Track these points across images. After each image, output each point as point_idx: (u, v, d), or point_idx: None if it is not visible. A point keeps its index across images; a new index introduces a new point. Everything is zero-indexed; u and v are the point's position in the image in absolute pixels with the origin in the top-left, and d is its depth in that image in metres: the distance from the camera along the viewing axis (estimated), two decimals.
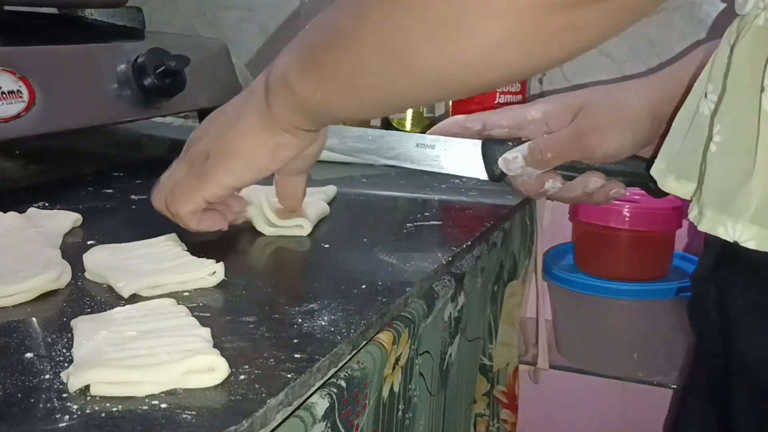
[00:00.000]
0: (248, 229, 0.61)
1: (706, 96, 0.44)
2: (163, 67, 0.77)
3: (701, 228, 0.43)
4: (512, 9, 0.34)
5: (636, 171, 0.57)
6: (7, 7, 0.80)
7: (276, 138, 0.51)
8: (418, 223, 0.66)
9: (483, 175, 0.61)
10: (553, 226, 1.02)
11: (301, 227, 0.60)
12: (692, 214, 0.44)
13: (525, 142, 0.59)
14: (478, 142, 0.61)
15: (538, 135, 0.59)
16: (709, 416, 0.56)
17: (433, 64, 0.38)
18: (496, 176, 0.60)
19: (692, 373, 0.62)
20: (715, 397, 0.54)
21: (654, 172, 0.49)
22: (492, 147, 0.60)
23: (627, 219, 0.95)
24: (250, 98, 0.52)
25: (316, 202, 0.65)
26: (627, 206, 0.94)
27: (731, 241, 0.41)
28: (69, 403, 0.34)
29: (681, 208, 0.93)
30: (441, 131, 0.63)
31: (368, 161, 0.72)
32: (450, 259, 0.57)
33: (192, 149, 0.54)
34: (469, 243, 0.61)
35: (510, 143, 0.59)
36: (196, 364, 0.36)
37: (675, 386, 0.99)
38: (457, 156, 0.61)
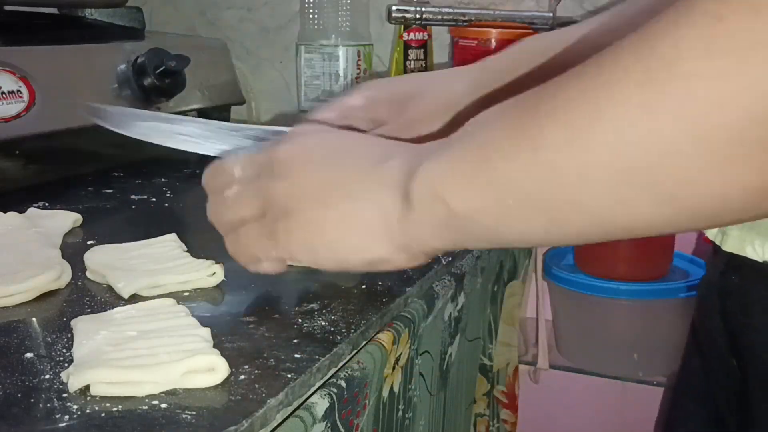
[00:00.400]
0: None
1: None
2: (163, 67, 0.77)
3: (726, 248, 0.41)
4: None
5: None
6: (7, 7, 0.80)
7: (388, 252, 0.40)
8: None
9: None
10: None
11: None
12: (711, 233, 0.42)
13: None
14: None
15: (363, 124, 0.53)
16: (702, 416, 0.56)
17: (718, 193, 0.28)
18: None
19: (685, 373, 0.61)
20: (709, 398, 0.54)
21: None
22: None
23: None
24: (373, 184, 0.40)
25: None
26: None
27: (761, 261, 0.39)
28: (69, 403, 0.34)
29: None
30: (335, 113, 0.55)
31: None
32: (450, 259, 0.57)
33: (272, 184, 0.42)
34: None
35: None
36: (196, 364, 0.36)
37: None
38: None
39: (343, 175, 0.41)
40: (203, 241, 0.57)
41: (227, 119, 0.95)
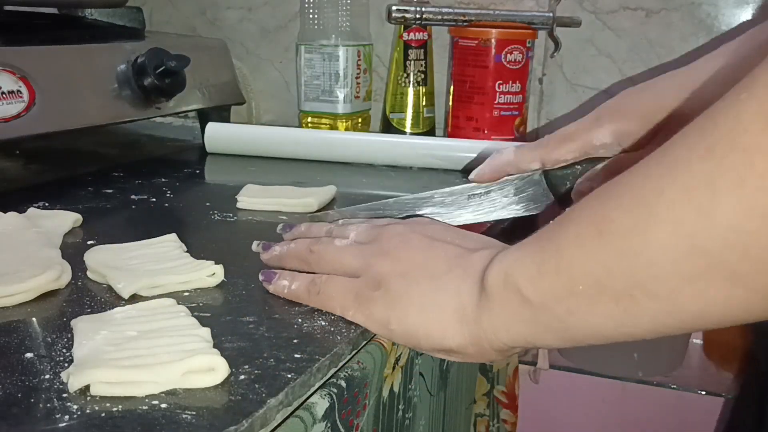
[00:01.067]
0: (248, 230, 0.61)
1: None
2: (163, 67, 0.77)
3: None
4: None
5: None
6: (7, 7, 0.80)
7: (458, 345, 0.39)
8: None
9: (551, 205, 0.54)
10: None
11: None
12: None
13: (594, 160, 0.52)
14: (540, 175, 0.54)
15: (611, 154, 0.51)
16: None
17: None
18: (568, 204, 0.53)
19: (746, 386, 0.60)
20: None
21: None
22: (558, 176, 0.53)
23: None
24: (456, 275, 0.40)
25: None
26: None
27: None
28: (69, 403, 0.34)
29: None
30: (490, 175, 0.55)
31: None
32: None
33: (375, 260, 0.44)
34: None
35: (578, 166, 0.52)
36: (196, 364, 0.36)
37: (675, 386, 0.99)
38: (519, 196, 0.55)
39: (434, 259, 0.42)
40: (203, 241, 0.57)
41: (227, 119, 0.95)
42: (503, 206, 0.54)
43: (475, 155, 0.83)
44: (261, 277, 0.48)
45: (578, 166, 0.52)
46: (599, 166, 0.51)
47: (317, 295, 0.45)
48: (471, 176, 0.56)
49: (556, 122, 1.04)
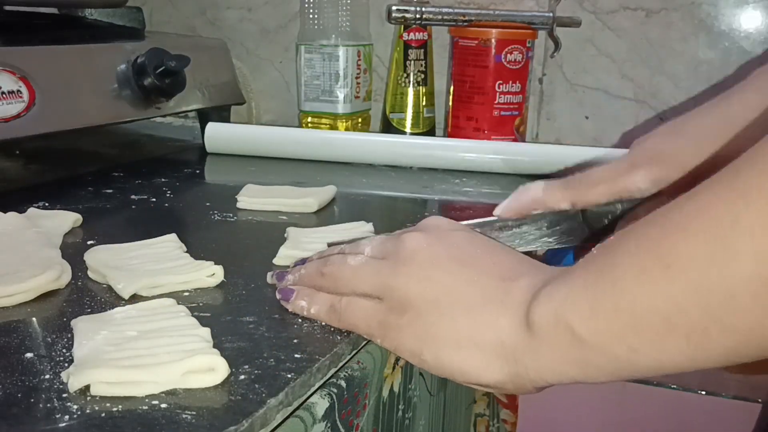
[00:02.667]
0: (248, 230, 0.61)
1: None
2: (163, 67, 0.77)
3: None
4: None
5: None
6: (7, 7, 0.80)
7: (499, 381, 0.37)
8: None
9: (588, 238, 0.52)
10: None
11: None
12: None
13: (630, 200, 0.50)
14: (576, 212, 0.52)
15: (648, 195, 0.49)
16: None
17: None
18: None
19: None
20: None
21: None
22: (595, 212, 0.51)
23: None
24: (496, 305, 0.37)
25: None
26: None
27: None
28: (69, 403, 0.34)
29: None
30: (517, 212, 0.52)
31: None
32: None
33: (395, 272, 0.40)
34: None
35: (619, 205, 0.50)
36: (196, 364, 0.36)
37: (675, 386, 0.99)
38: (553, 229, 0.52)
39: (466, 285, 0.39)
40: (203, 241, 0.57)
41: (227, 119, 0.95)
42: (536, 238, 0.52)
43: (475, 155, 0.83)
44: (278, 296, 0.46)
45: (618, 205, 0.50)
46: (639, 208, 0.49)
47: (338, 321, 0.43)
48: (496, 211, 0.52)
49: (556, 122, 1.04)
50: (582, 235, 0.52)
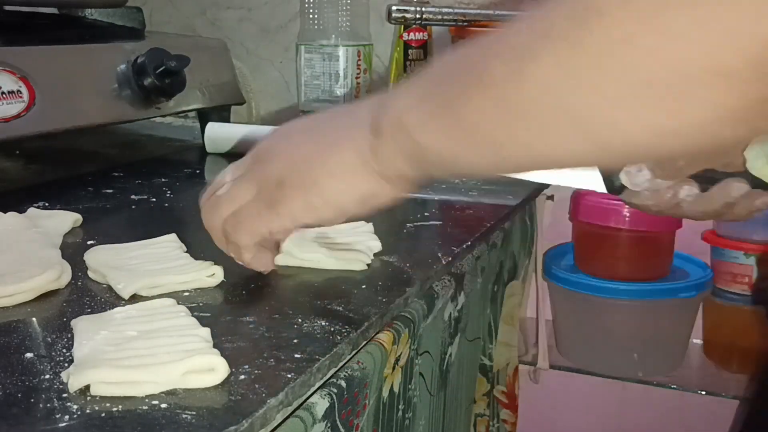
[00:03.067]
0: None
1: None
2: (163, 67, 0.77)
3: None
4: (734, 76, 0.28)
5: None
6: (7, 7, 0.80)
7: (372, 185, 0.42)
8: (418, 223, 0.66)
9: (601, 188, 0.52)
10: (553, 226, 1.02)
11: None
12: None
13: None
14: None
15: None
16: None
17: (630, 131, 0.31)
18: (616, 188, 0.51)
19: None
20: None
21: None
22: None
23: (627, 219, 0.95)
24: (346, 131, 0.44)
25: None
26: (627, 206, 0.94)
27: None
28: (69, 403, 0.34)
29: None
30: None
31: None
32: (450, 259, 0.57)
33: (261, 168, 0.46)
34: (469, 243, 0.61)
35: None
36: (196, 364, 0.36)
37: (675, 386, 0.99)
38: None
39: (322, 132, 0.45)
40: (203, 242, 0.57)
41: (227, 119, 0.95)
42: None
43: None
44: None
45: None
46: None
47: (236, 234, 0.46)
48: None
49: None
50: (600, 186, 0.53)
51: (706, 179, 0.48)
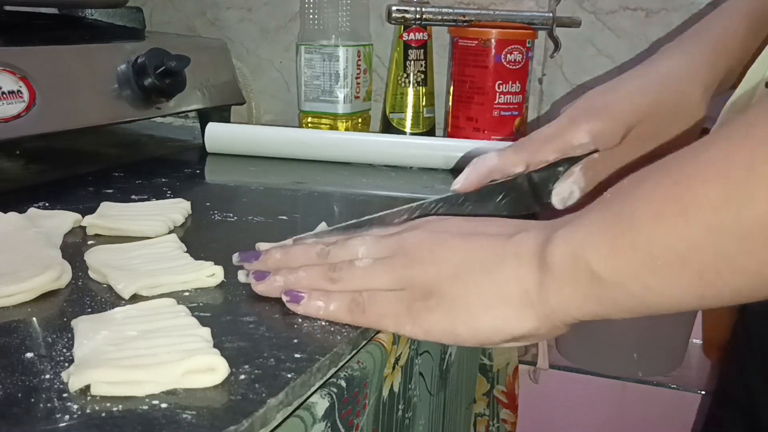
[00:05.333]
0: (248, 230, 0.61)
1: (767, 86, 0.41)
2: (163, 67, 0.77)
3: None
4: None
5: None
6: (7, 7, 0.80)
7: (528, 326, 0.39)
8: None
9: (535, 208, 0.55)
10: None
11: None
12: None
13: (571, 160, 0.53)
14: (523, 178, 0.54)
15: (586, 152, 0.53)
16: (739, 425, 0.55)
17: None
18: (550, 206, 0.54)
19: (726, 383, 0.60)
20: (752, 410, 0.53)
21: None
22: (542, 177, 0.54)
23: None
24: (509, 259, 0.39)
25: None
26: None
27: None
28: (69, 403, 0.34)
29: None
30: (477, 183, 0.53)
31: None
32: None
33: (409, 265, 0.42)
34: None
35: (560, 168, 0.53)
36: (196, 364, 0.36)
37: (675, 386, 0.99)
38: (505, 201, 0.54)
39: (478, 252, 0.40)
40: (203, 242, 0.57)
41: (227, 119, 0.95)
42: (490, 212, 0.54)
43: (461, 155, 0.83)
44: (285, 298, 0.44)
45: (560, 168, 0.53)
46: (576, 167, 0.52)
47: (363, 314, 0.43)
48: (455, 187, 0.54)
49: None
50: (530, 204, 0.54)
51: None
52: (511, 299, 0.39)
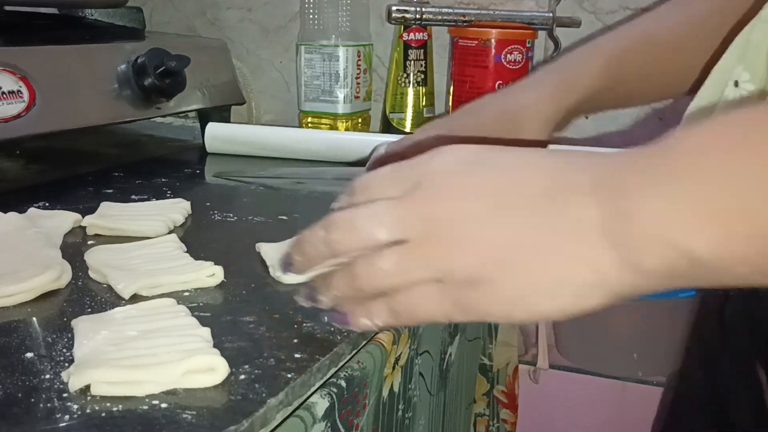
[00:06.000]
0: (248, 230, 0.61)
1: (737, 85, 0.40)
2: (163, 67, 0.77)
3: None
4: None
5: None
6: (7, 7, 0.80)
7: (600, 306, 0.34)
8: None
9: None
10: None
11: None
12: None
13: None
14: None
15: None
16: (706, 419, 0.55)
17: None
18: None
19: (692, 374, 0.61)
20: (714, 403, 0.54)
21: None
22: None
23: None
24: (569, 237, 0.33)
25: None
26: None
27: None
28: (69, 403, 0.34)
29: None
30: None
31: None
32: None
33: (450, 259, 0.35)
34: None
35: None
36: (196, 364, 0.36)
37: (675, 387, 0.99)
38: None
39: (526, 231, 0.34)
40: (203, 242, 0.57)
41: (227, 119, 0.95)
42: None
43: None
44: (335, 323, 0.40)
45: None
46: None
47: (408, 319, 0.37)
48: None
49: None
50: None
51: None
52: (576, 283, 0.33)
